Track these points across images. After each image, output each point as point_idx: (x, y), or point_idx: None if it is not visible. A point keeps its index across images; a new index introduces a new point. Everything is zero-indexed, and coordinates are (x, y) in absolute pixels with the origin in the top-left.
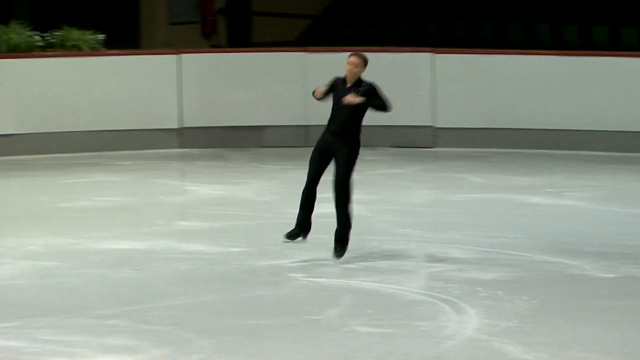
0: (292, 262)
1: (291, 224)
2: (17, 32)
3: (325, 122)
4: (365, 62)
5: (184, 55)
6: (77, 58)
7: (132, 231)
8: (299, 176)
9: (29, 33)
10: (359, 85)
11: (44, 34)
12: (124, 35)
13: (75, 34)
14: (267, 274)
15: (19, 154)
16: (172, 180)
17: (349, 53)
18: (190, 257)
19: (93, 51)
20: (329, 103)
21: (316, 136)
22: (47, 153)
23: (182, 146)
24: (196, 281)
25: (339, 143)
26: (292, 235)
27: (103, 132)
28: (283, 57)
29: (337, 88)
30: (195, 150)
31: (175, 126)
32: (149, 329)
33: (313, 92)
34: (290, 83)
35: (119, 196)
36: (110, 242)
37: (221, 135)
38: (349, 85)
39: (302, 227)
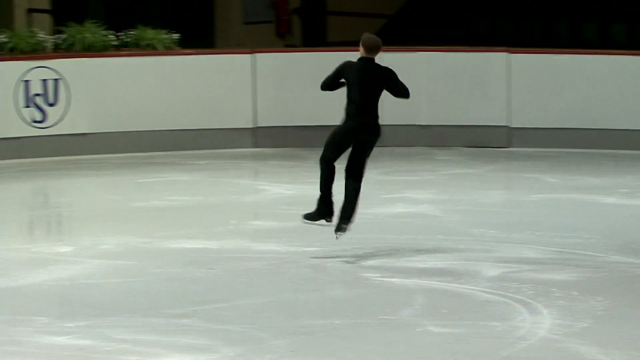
0: (366, 262)
1: (366, 223)
2: (92, 32)
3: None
4: None
5: (259, 55)
6: (151, 57)
7: (205, 230)
8: (373, 175)
9: (103, 32)
10: None
11: (119, 33)
12: (198, 35)
13: (149, 33)
14: (341, 273)
15: (93, 153)
16: (245, 179)
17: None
18: (264, 256)
19: (167, 50)
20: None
21: (390, 135)
22: (120, 152)
23: (256, 145)
24: (269, 281)
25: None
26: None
27: (177, 131)
28: (357, 56)
29: None
30: (269, 150)
31: (249, 126)
32: (221, 329)
33: None
34: None
35: (192, 195)
36: (183, 242)
37: (295, 134)
38: None
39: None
